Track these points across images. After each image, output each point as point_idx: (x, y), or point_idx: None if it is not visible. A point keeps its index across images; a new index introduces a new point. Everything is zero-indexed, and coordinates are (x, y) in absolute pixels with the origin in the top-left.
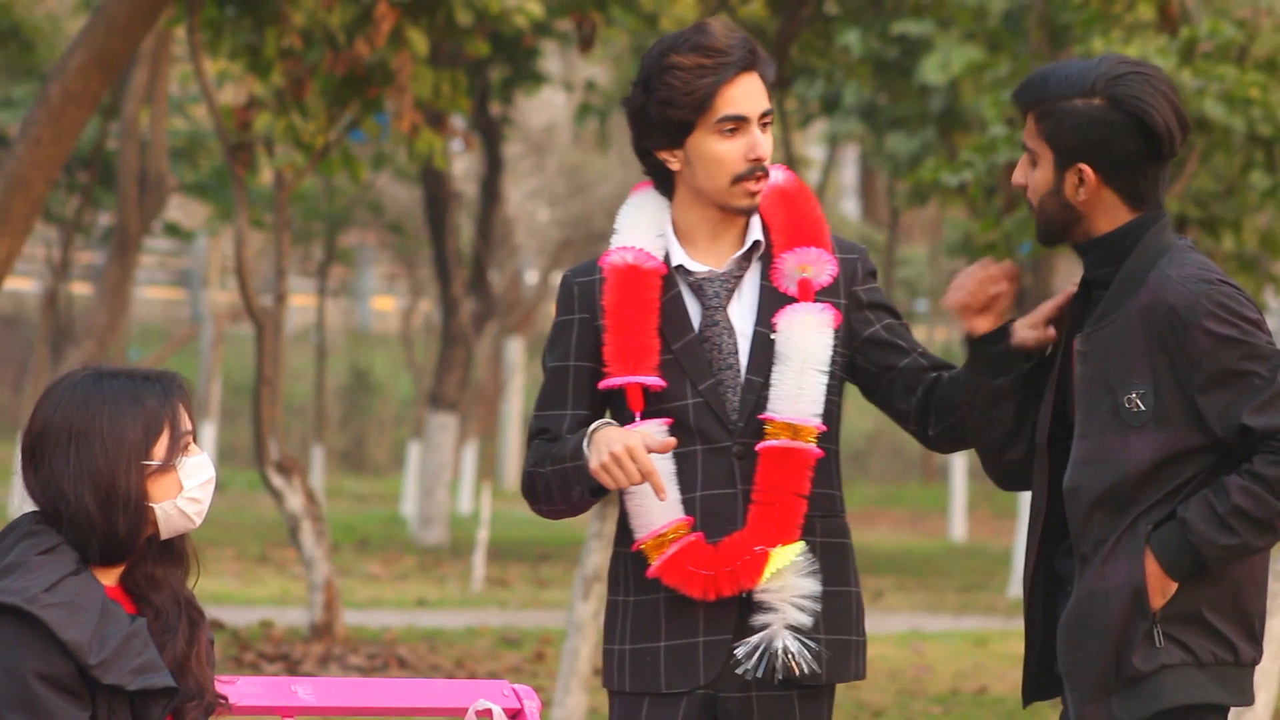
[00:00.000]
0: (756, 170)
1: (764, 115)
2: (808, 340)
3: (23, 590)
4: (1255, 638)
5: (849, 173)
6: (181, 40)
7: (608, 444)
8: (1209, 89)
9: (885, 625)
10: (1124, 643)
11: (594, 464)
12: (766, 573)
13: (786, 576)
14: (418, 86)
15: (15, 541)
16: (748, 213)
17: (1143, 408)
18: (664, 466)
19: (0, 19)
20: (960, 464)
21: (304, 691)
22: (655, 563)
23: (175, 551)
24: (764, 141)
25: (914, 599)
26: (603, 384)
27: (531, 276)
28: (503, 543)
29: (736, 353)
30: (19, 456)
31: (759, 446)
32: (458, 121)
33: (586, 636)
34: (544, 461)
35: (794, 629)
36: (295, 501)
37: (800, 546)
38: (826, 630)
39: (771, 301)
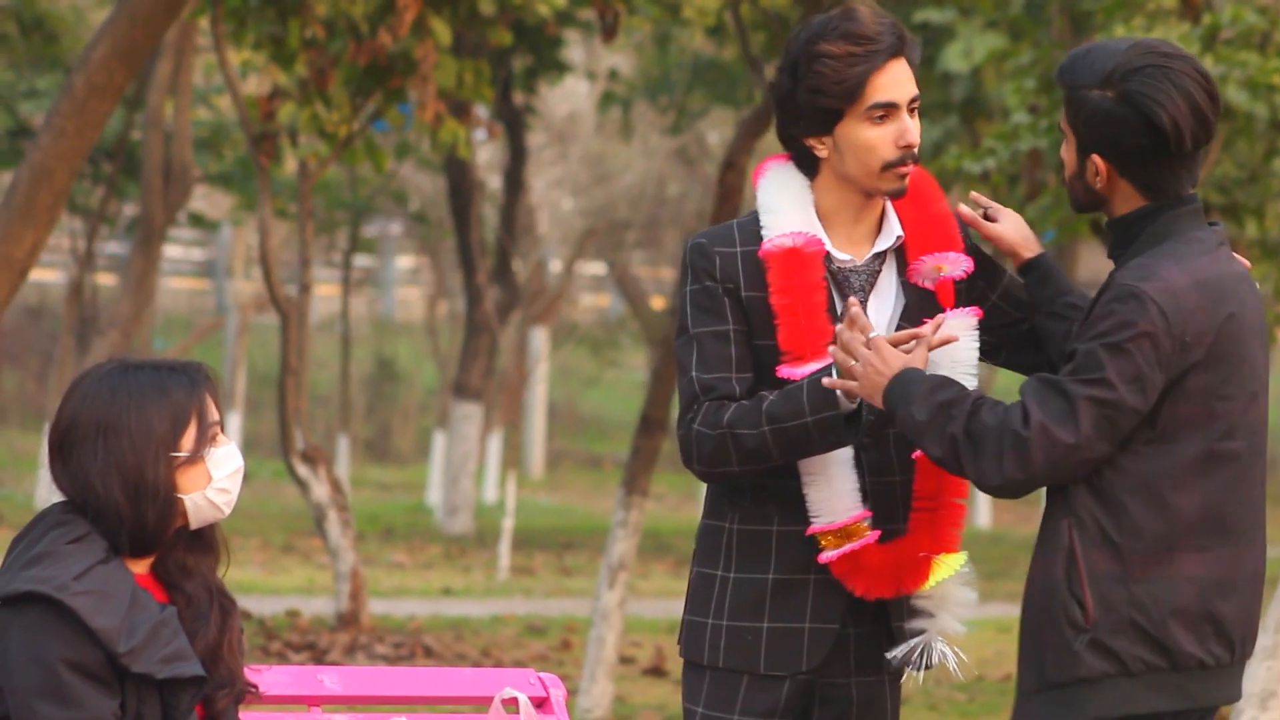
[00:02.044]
0: (907, 156)
1: (913, 100)
2: (956, 346)
3: (52, 578)
4: (1203, 641)
5: None
6: (205, 31)
7: (862, 356)
8: (1231, 76)
9: None
10: (1041, 643)
11: (844, 384)
12: (932, 580)
13: (947, 585)
14: (441, 76)
15: (44, 531)
16: (895, 196)
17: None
18: (845, 453)
19: (24, 10)
20: None
21: (330, 680)
22: (832, 553)
23: (205, 541)
24: (914, 127)
25: None
26: (783, 373)
27: (555, 266)
28: (528, 531)
29: None
30: (46, 449)
31: (917, 454)
32: (481, 111)
33: (612, 625)
34: (747, 423)
35: (947, 637)
36: (320, 491)
37: (964, 557)
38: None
39: (915, 301)
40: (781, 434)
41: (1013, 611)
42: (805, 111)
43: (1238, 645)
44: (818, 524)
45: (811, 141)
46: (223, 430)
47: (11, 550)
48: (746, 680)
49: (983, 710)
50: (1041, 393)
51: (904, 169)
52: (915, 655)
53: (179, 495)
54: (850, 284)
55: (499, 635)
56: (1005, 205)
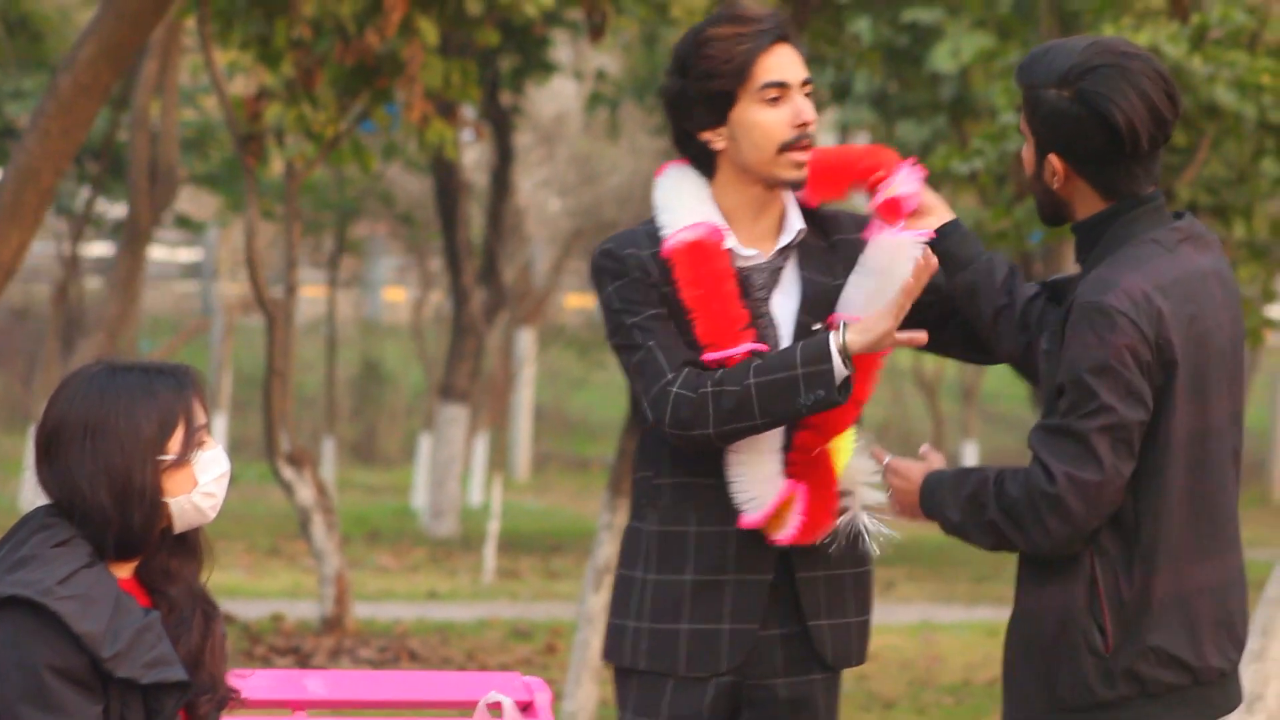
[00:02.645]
0: (803, 137)
1: (805, 83)
2: (896, 262)
3: (36, 582)
4: (1219, 650)
5: None
6: (192, 31)
7: (876, 318)
8: (1220, 75)
9: (897, 615)
10: (1054, 667)
11: (884, 326)
12: (837, 468)
13: (851, 464)
14: (428, 76)
15: (29, 535)
16: (795, 185)
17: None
18: (776, 442)
19: (9, 10)
20: (971, 451)
21: (315, 685)
22: (781, 534)
23: (189, 545)
24: (808, 106)
25: (926, 589)
26: (708, 357)
27: (542, 267)
28: (513, 534)
29: (777, 346)
30: (32, 450)
31: (796, 441)
32: (468, 111)
33: (598, 628)
34: (739, 376)
35: (870, 508)
36: (306, 494)
37: (853, 432)
38: (857, 612)
39: (814, 294)
40: (767, 387)
41: (1002, 615)
42: (698, 100)
43: (1243, 644)
44: (749, 513)
45: (707, 135)
46: (209, 434)
47: None
48: (671, 684)
49: (970, 713)
50: (1052, 443)
51: (801, 154)
52: (849, 531)
53: (165, 498)
54: (753, 281)
55: (484, 639)
56: (993, 205)
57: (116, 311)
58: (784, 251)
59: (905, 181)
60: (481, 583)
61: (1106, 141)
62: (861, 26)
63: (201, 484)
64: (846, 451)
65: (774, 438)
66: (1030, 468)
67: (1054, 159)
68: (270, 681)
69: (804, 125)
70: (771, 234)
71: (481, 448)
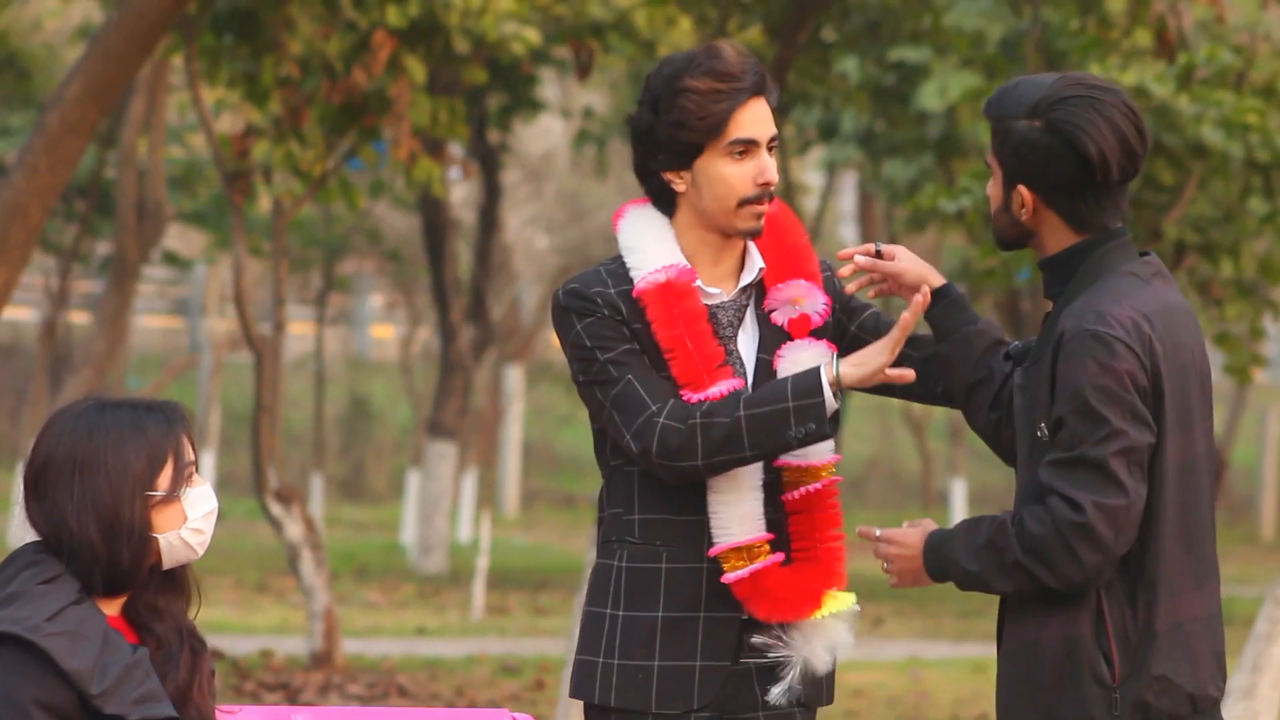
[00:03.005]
0: (764, 194)
1: (772, 140)
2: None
3: (25, 619)
4: (1214, 678)
5: (847, 199)
6: (179, 69)
7: (872, 352)
8: (1207, 115)
9: (884, 652)
10: (1059, 700)
11: (879, 360)
12: (822, 610)
13: (829, 620)
14: (415, 114)
15: (17, 571)
16: (750, 235)
17: (1048, 436)
18: (755, 479)
19: None
20: (960, 489)
21: None
22: (733, 575)
23: (177, 581)
24: (772, 166)
25: (913, 625)
26: (689, 398)
27: (530, 303)
28: (502, 570)
29: (748, 383)
30: (20, 487)
31: (785, 498)
32: (455, 149)
33: None
34: (730, 408)
35: (809, 672)
36: (294, 530)
37: (853, 598)
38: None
39: (772, 332)
40: (758, 419)
41: (989, 651)
42: (665, 145)
43: (1226, 674)
44: (720, 542)
45: (670, 176)
46: (198, 470)
47: None
48: None
49: None
50: (1069, 474)
51: (760, 207)
52: (783, 669)
53: (153, 534)
54: (718, 319)
55: (473, 675)
56: (980, 243)
57: (104, 348)
58: (746, 290)
59: (813, 299)
60: (470, 618)
61: (1077, 171)
62: (849, 65)
63: (190, 520)
64: (839, 604)
65: (753, 475)
66: (1050, 502)
67: (1023, 190)
68: (259, 717)
69: (766, 184)
70: (733, 273)
71: (470, 484)
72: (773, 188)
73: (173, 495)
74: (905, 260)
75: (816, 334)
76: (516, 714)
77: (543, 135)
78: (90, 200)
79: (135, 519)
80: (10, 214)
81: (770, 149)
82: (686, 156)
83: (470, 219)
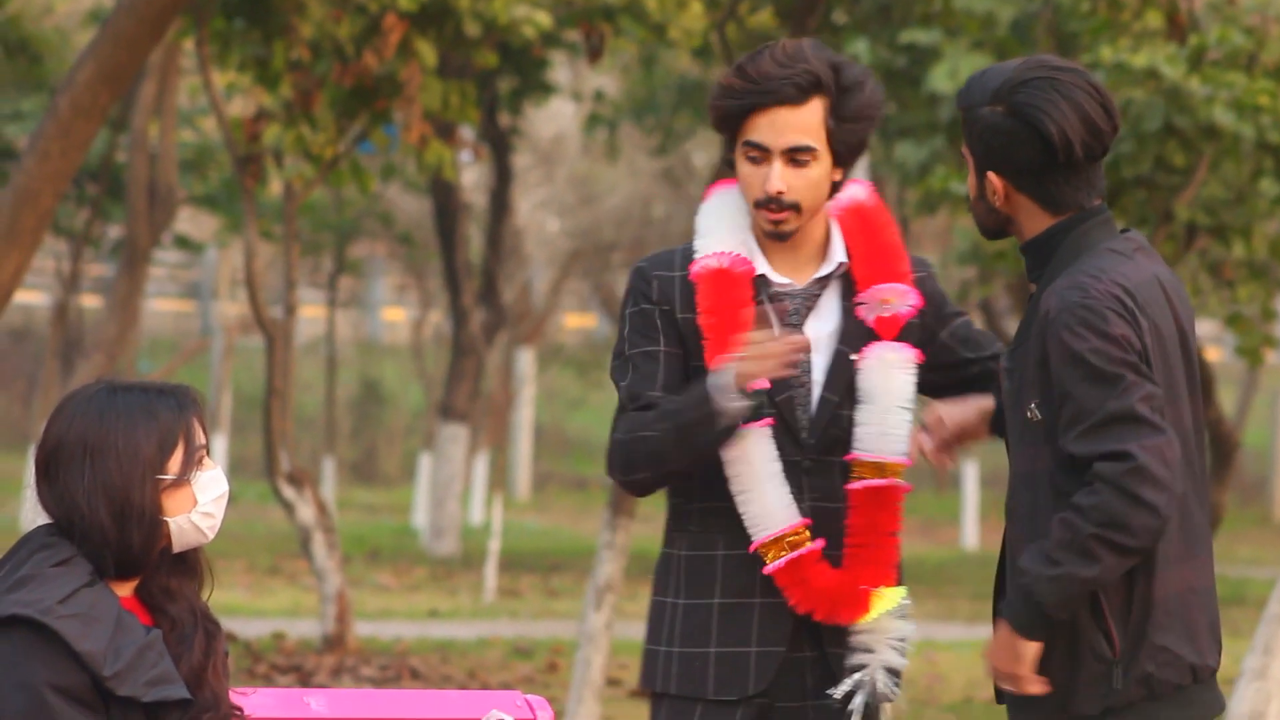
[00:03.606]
0: (771, 203)
1: (797, 150)
2: (891, 379)
3: (36, 602)
4: (1211, 649)
5: None
6: (190, 53)
7: (740, 357)
8: (1218, 96)
9: None
10: (1067, 679)
11: (738, 369)
12: (872, 613)
13: (885, 618)
14: (426, 98)
15: (29, 554)
16: (773, 239)
17: (1040, 417)
18: (772, 467)
19: (8, 32)
20: (972, 472)
21: (317, 703)
22: (774, 563)
23: (189, 564)
24: (781, 177)
25: (926, 608)
26: None
27: (541, 287)
28: (514, 553)
29: (810, 370)
30: (31, 470)
31: (851, 487)
32: (466, 132)
33: (599, 646)
34: (649, 425)
35: (888, 670)
36: (306, 513)
37: (903, 591)
38: None
39: (854, 327)
40: (677, 428)
41: None
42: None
43: (1218, 650)
44: (757, 538)
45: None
46: (209, 454)
47: None
48: (700, 708)
49: None
50: (1105, 434)
51: (772, 214)
52: (863, 689)
53: (164, 518)
54: (786, 308)
55: (485, 657)
56: None
57: (115, 332)
58: (822, 281)
59: (903, 299)
60: (482, 601)
61: (1040, 153)
62: (859, 48)
63: (200, 504)
64: (888, 603)
65: (768, 463)
66: (1097, 469)
67: (993, 177)
68: (272, 700)
69: (767, 194)
70: (812, 261)
71: (482, 467)
72: (786, 199)
73: (183, 479)
74: (950, 416)
75: (902, 335)
76: (529, 696)
77: (554, 119)
78: (102, 184)
79: (146, 503)
80: (22, 199)
81: (793, 160)
82: (730, 148)
83: (481, 202)
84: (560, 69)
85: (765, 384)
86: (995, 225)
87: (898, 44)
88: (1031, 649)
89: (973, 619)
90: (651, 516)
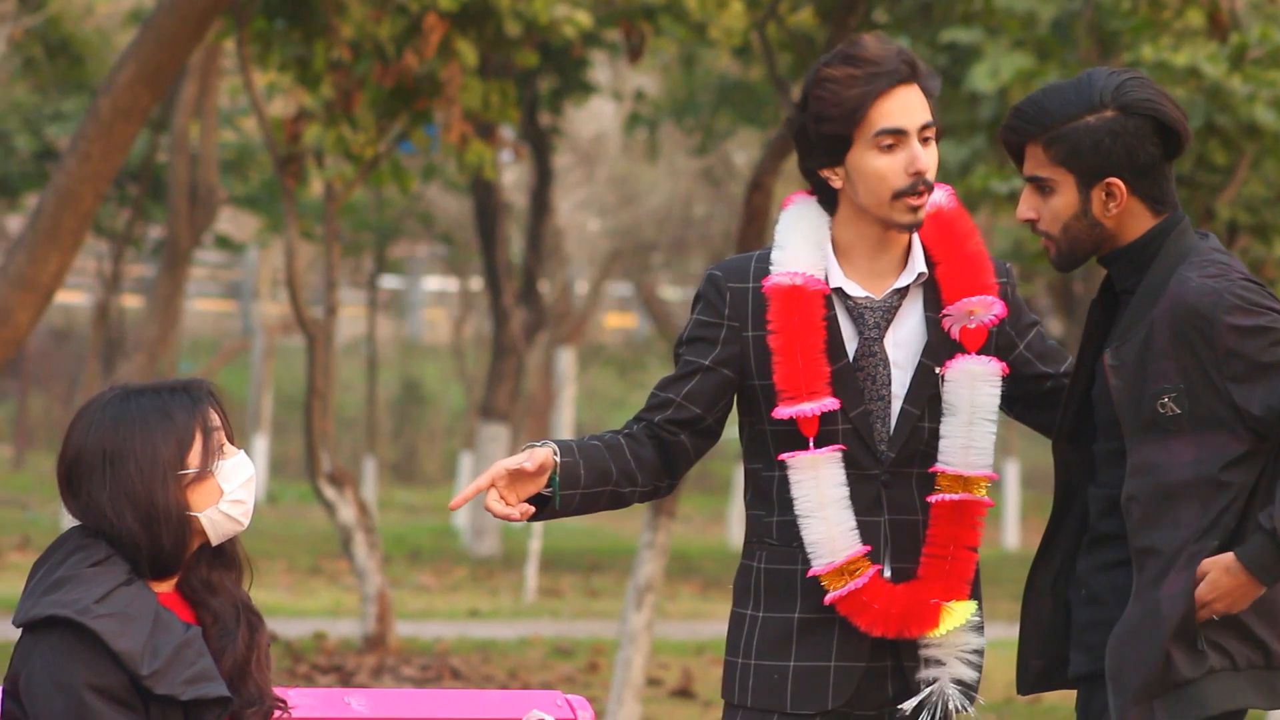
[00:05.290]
0: (919, 185)
1: (925, 128)
2: (977, 392)
3: (74, 602)
4: None
5: None
6: (230, 53)
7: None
8: (1259, 95)
9: None
10: (1174, 650)
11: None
12: (942, 628)
13: (956, 632)
14: (467, 98)
15: (65, 556)
16: (911, 229)
17: (1177, 411)
18: (839, 492)
19: (50, 33)
20: (1012, 472)
21: (358, 703)
22: (834, 593)
23: (227, 556)
24: (925, 155)
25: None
26: (777, 413)
27: (581, 287)
28: (555, 553)
29: (889, 384)
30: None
31: (932, 499)
32: (507, 132)
33: (639, 647)
34: (625, 450)
35: (960, 683)
36: (347, 513)
37: (974, 605)
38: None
39: (938, 338)
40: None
41: None
42: (816, 141)
43: None
44: (818, 566)
45: (826, 173)
46: (230, 439)
47: (34, 574)
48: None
49: None
50: None
51: (915, 199)
52: (932, 704)
53: (193, 513)
54: (865, 320)
55: (526, 657)
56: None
57: (157, 332)
58: (901, 292)
59: (988, 310)
60: (523, 601)
61: (1160, 148)
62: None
63: (228, 493)
64: (959, 617)
65: (837, 487)
66: None
67: (1116, 183)
68: (313, 700)
69: (918, 174)
70: (892, 271)
71: None
72: (927, 176)
73: (205, 471)
74: None
75: (985, 346)
76: (570, 696)
77: (594, 118)
78: (143, 185)
79: (171, 503)
80: (63, 200)
81: (924, 138)
82: (837, 151)
83: (522, 202)
84: (600, 69)
85: (835, 405)
86: (1093, 243)
87: (938, 43)
88: (1261, 592)
89: (1013, 618)
90: (690, 517)
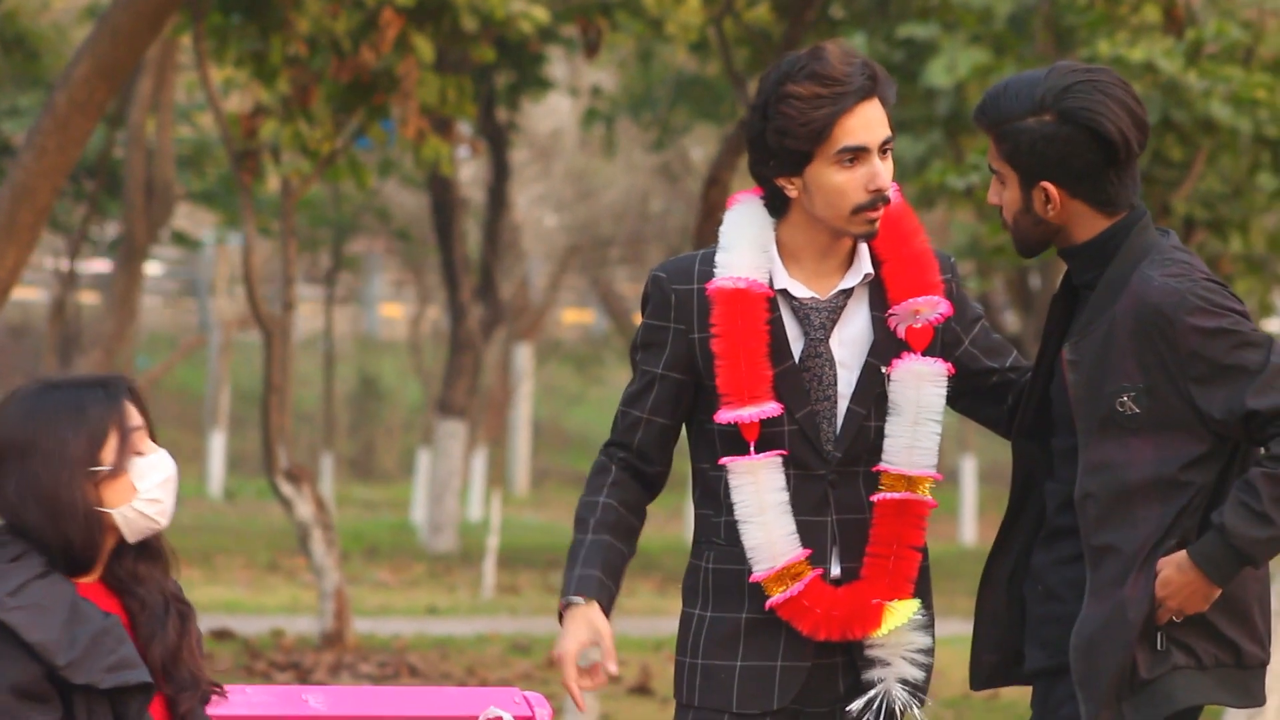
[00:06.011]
0: (877, 200)
1: (885, 143)
2: (922, 392)
3: None
4: (1259, 639)
5: None
6: (187, 48)
7: (561, 643)
8: (1215, 90)
9: None
10: (1136, 651)
11: (555, 650)
12: (884, 628)
13: (901, 631)
14: (423, 93)
15: None
16: (866, 239)
17: (1136, 410)
18: (778, 497)
19: (5, 28)
20: (970, 467)
21: (315, 700)
22: (775, 597)
23: (152, 549)
24: (884, 171)
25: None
26: (718, 418)
27: (539, 282)
28: (513, 549)
29: (835, 384)
30: None
31: (876, 498)
32: (464, 128)
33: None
34: (577, 529)
35: (906, 682)
36: (305, 509)
37: (917, 604)
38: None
39: (884, 338)
40: (578, 516)
41: None
42: (774, 152)
43: (1268, 646)
44: (758, 572)
45: (781, 181)
46: (152, 437)
47: None
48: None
49: None
50: (1271, 384)
51: (873, 213)
52: (877, 704)
53: (105, 510)
54: (810, 321)
55: (484, 654)
56: (989, 220)
57: (114, 328)
58: (847, 293)
59: (934, 309)
60: (481, 598)
61: (1099, 154)
62: (857, 42)
63: (142, 491)
64: (901, 616)
65: (776, 492)
66: (1271, 430)
67: (1048, 186)
68: (271, 697)
69: (878, 190)
70: (838, 271)
71: (480, 463)
72: (886, 193)
73: (119, 469)
74: None
75: (930, 345)
76: (527, 693)
77: (551, 114)
78: (99, 180)
79: (78, 500)
80: (19, 195)
81: (884, 153)
82: (796, 164)
83: (479, 197)
84: (557, 64)
85: (777, 410)
86: (1041, 238)
87: (895, 38)
88: (1218, 592)
89: (970, 614)
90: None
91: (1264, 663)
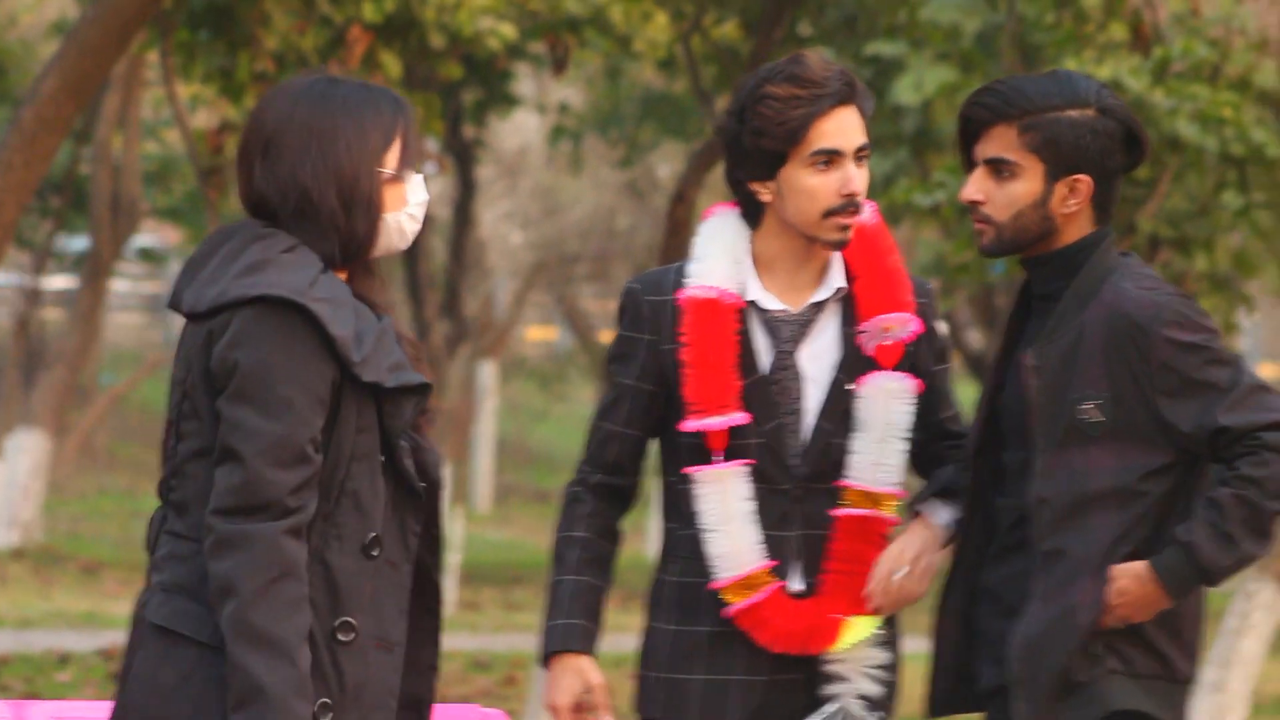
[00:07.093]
0: (849, 205)
1: (860, 150)
2: (890, 409)
3: (287, 283)
4: (1190, 655)
5: None
6: (154, 64)
7: (554, 695)
8: (1182, 109)
9: None
10: (1075, 656)
11: (549, 700)
12: (843, 643)
13: (860, 647)
14: None
15: (244, 244)
16: (838, 247)
17: (1101, 418)
18: (744, 506)
19: None
20: None
21: None
22: (734, 606)
23: (371, 267)
24: (858, 176)
25: None
26: (684, 426)
27: (504, 299)
28: (475, 566)
29: (801, 397)
30: (237, 155)
31: (837, 513)
32: (431, 144)
33: None
34: (558, 566)
35: (865, 698)
36: None
37: (877, 620)
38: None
39: (853, 354)
40: (556, 552)
41: None
42: (750, 154)
43: (1195, 663)
44: (720, 579)
45: (755, 186)
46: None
47: (201, 264)
48: None
49: None
50: (1255, 402)
51: (845, 218)
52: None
53: (382, 212)
54: (780, 333)
55: (444, 670)
56: (955, 238)
57: (78, 345)
58: (818, 306)
59: (904, 326)
60: (442, 614)
61: (1126, 158)
62: None
63: (410, 204)
64: (861, 632)
65: (741, 501)
66: (1264, 438)
67: (1083, 179)
68: None
69: (850, 195)
70: (812, 284)
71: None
72: (859, 198)
73: (399, 176)
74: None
75: (900, 363)
76: (487, 710)
77: (518, 130)
78: (65, 196)
79: (371, 191)
80: None
81: (859, 159)
82: (770, 166)
83: (445, 214)
84: (525, 81)
85: (745, 419)
86: (1036, 235)
87: (862, 56)
88: (1167, 605)
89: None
90: None
91: (1191, 679)
